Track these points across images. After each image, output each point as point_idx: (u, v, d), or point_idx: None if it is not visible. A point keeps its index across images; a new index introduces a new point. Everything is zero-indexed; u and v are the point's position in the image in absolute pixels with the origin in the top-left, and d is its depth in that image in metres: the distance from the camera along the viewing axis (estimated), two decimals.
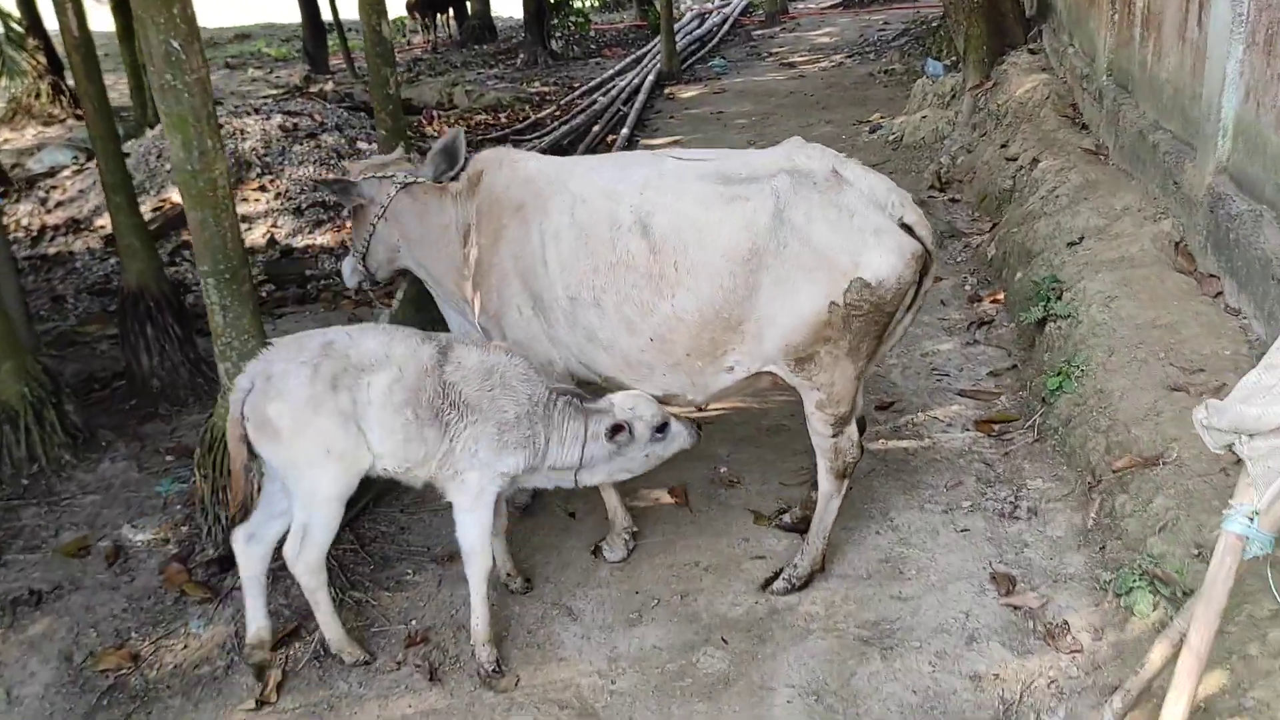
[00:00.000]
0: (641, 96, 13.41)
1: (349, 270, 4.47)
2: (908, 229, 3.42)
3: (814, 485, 3.93)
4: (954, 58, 11.00)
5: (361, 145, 9.09)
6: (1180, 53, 5.68)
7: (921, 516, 4.23)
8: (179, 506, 4.52)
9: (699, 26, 19.59)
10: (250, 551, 3.55)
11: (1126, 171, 6.47)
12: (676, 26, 18.41)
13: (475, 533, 3.52)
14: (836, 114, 11.89)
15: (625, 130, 11.55)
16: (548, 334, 3.83)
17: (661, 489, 4.54)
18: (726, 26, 19.97)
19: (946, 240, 7.39)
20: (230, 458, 3.50)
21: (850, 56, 15.94)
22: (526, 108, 13.83)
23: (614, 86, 14.24)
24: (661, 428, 3.58)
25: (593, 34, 21.73)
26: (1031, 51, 9.73)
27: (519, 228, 3.78)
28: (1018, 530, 4.07)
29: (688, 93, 14.46)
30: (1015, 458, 4.59)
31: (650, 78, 14.57)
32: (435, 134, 12.07)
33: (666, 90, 14.65)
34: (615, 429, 3.51)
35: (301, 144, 8.92)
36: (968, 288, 6.63)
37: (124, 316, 5.63)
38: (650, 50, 17.52)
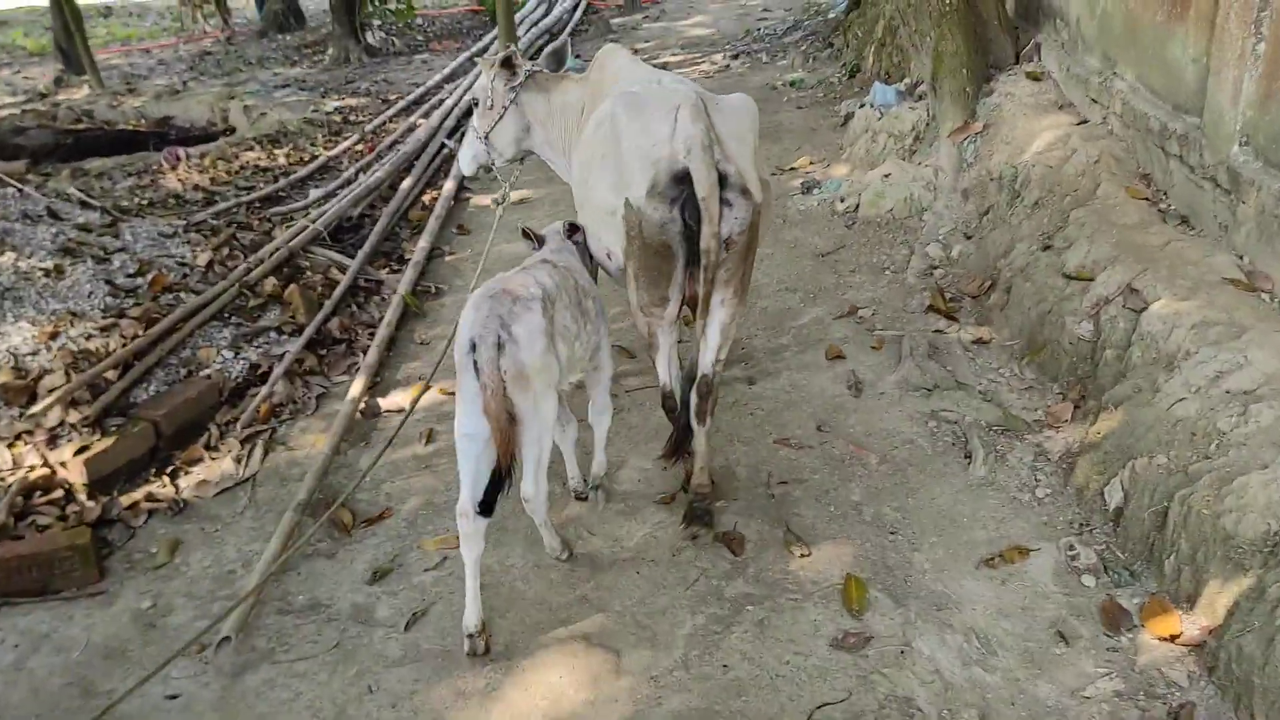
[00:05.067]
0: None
1: (468, 159, 4.87)
2: None
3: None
4: (909, 80, 7.89)
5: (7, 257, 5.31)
6: None
7: None
8: None
9: (545, 14, 15.74)
10: (481, 525, 3.34)
11: None
12: (519, 14, 14.81)
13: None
14: None
15: (449, 184, 8.02)
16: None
17: None
18: (579, 14, 16.19)
19: (1000, 435, 4.29)
20: (496, 418, 3.15)
21: (736, 57, 12.66)
22: (319, 136, 10.13)
23: (441, 100, 10.67)
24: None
25: (419, 21, 17.85)
26: (1033, 77, 6.72)
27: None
28: None
29: None
30: None
31: None
32: (181, 183, 8.31)
33: None
34: (572, 228, 3.84)
35: None
36: (1088, 579, 3.50)
37: None
38: (487, 45, 14.01)
